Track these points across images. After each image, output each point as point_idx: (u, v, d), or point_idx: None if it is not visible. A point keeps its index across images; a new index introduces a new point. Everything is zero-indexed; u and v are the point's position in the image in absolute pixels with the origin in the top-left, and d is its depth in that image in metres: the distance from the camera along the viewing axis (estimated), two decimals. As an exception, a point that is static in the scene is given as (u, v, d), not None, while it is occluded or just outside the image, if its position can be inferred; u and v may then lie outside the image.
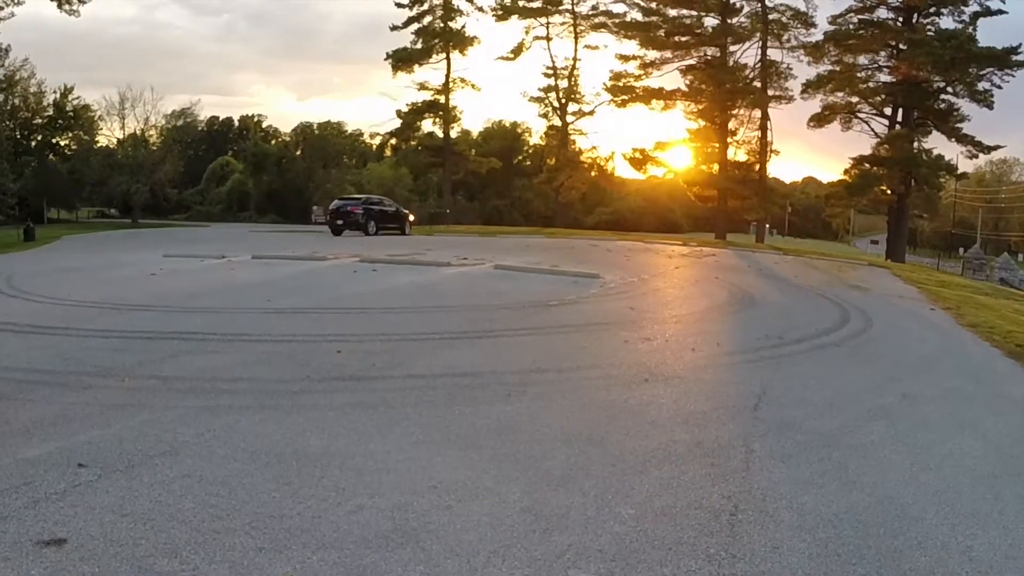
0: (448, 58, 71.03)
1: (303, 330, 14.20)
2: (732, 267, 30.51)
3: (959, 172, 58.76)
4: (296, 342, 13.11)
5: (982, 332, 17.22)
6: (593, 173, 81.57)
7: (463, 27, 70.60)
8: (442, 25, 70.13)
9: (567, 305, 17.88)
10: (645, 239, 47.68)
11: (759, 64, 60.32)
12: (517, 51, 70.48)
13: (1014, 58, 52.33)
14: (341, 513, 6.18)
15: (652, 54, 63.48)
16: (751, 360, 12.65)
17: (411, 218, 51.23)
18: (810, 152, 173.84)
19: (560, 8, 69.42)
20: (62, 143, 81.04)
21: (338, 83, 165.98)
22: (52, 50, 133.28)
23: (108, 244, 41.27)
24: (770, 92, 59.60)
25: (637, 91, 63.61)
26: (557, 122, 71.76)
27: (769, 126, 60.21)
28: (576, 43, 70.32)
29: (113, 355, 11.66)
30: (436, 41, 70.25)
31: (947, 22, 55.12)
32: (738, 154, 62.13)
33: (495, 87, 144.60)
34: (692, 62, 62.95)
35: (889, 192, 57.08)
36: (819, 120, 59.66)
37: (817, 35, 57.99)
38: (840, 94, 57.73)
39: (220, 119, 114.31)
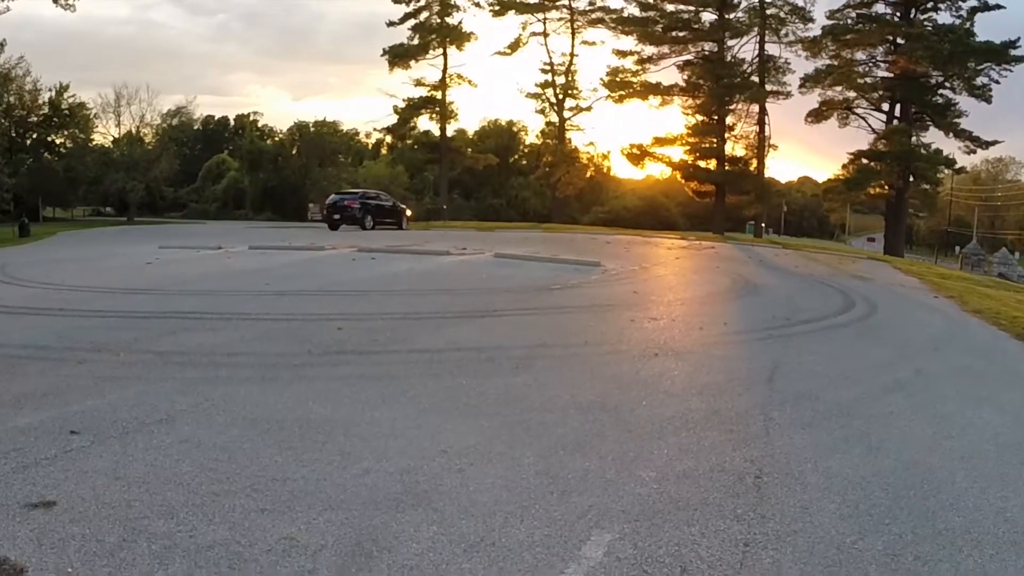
0: (445, 54, 70.66)
1: (303, 310, 13.93)
2: (732, 258, 30.24)
3: (958, 166, 58.41)
4: (296, 320, 12.84)
5: (987, 317, 16.98)
6: (590, 171, 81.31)
7: (460, 23, 70.24)
8: (439, 21, 69.74)
9: (570, 289, 17.62)
10: (643, 234, 47.42)
11: (757, 59, 60.01)
12: (514, 46, 70.18)
13: (1012, 52, 52.10)
14: (347, 476, 5.92)
15: (649, 49, 63.09)
16: (760, 338, 12.39)
17: (408, 213, 50.90)
18: (806, 152, 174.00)
19: (557, 4, 69.02)
20: (57, 141, 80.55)
21: (334, 83, 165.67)
22: (48, 50, 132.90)
23: (104, 239, 40.92)
24: (768, 87, 59.25)
25: (634, 86, 63.21)
26: (554, 118, 71.50)
27: (767, 121, 59.91)
28: (573, 39, 69.96)
29: (108, 333, 11.39)
30: (433, 37, 69.82)
31: (945, 17, 55.11)
32: (736, 149, 61.95)
33: (492, 84, 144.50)
34: (689, 57, 62.51)
35: (887, 188, 56.81)
36: (816, 116, 59.36)
37: (815, 30, 57.71)
38: (838, 88, 57.52)
39: (216, 118, 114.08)
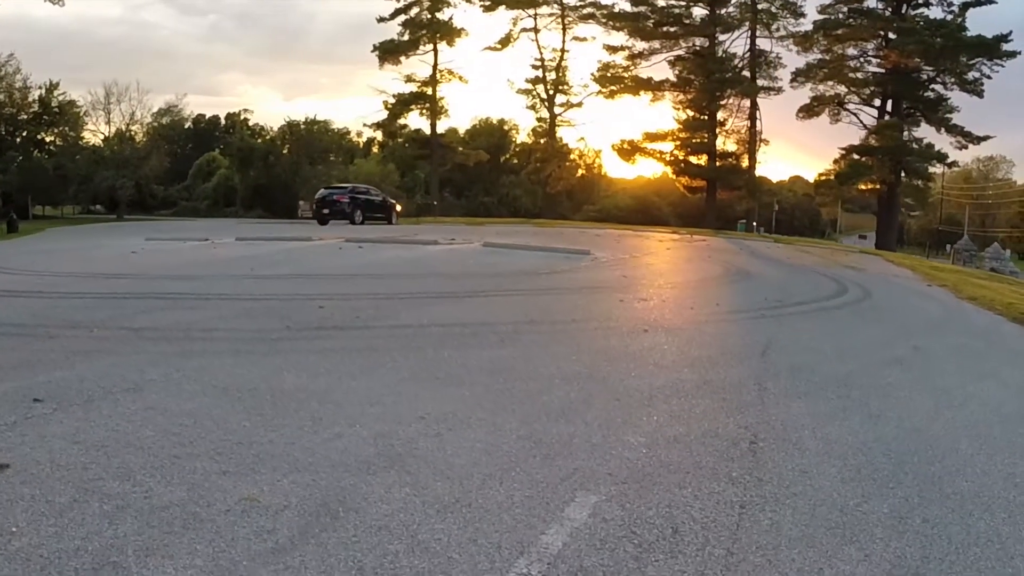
0: (435, 49, 70.20)
1: (285, 291, 13.55)
2: (724, 250, 29.94)
3: (949, 161, 58.19)
4: (277, 300, 12.48)
5: (983, 304, 16.73)
6: (581, 169, 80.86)
7: (451, 18, 69.82)
8: (429, 16, 69.27)
9: (559, 274, 17.31)
10: (634, 228, 47.15)
11: (748, 54, 59.88)
12: (505, 42, 69.76)
13: (1004, 47, 51.99)
14: (317, 440, 5.58)
15: (640, 45, 62.89)
16: (753, 318, 12.09)
17: (398, 208, 50.53)
18: (797, 151, 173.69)
19: (548, -1, 68.86)
20: (47, 139, 79.92)
21: (325, 83, 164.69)
22: (39, 50, 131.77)
23: (92, 233, 40.41)
24: (759, 82, 59.11)
25: (625, 81, 63.00)
26: (545, 114, 71.21)
27: (758, 115, 59.80)
28: (564, 34, 69.57)
29: (84, 312, 11.02)
30: (423, 32, 69.37)
31: (936, 12, 54.91)
32: (727, 144, 61.76)
33: (482, 82, 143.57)
34: (680, 52, 62.34)
35: (879, 183, 56.56)
36: (808, 111, 59.16)
37: (806, 25, 57.59)
38: (829, 84, 57.31)
39: (207, 117, 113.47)
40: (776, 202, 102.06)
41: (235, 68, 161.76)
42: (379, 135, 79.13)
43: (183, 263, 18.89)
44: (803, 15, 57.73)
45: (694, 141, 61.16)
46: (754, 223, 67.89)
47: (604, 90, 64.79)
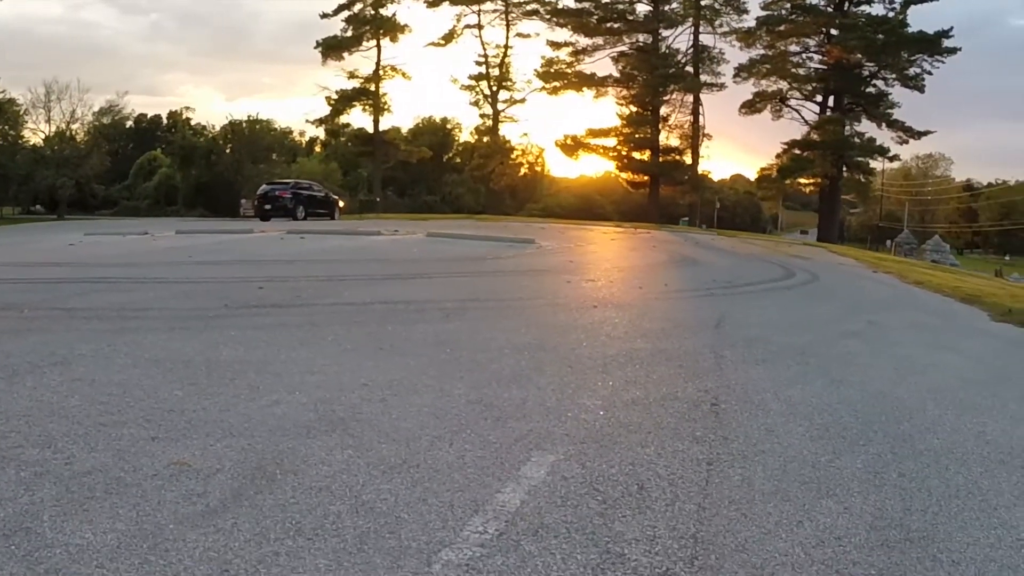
0: (379, 45, 69.43)
1: (224, 275, 13.07)
2: (669, 240, 29.84)
3: (891, 154, 58.66)
4: (216, 283, 11.99)
5: (930, 288, 16.76)
6: (524, 167, 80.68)
7: (394, 14, 69.14)
8: (373, 12, 68.57)
9: (504, 259, 17.01)
10: (578, 223, 46.99)
11: (691, 49, 60.00)
12: (448, 38, 69.23)
13: (945, 43, 52.58)
14: (254, 407, 5.20)
15: (584, 41, 62.68)
16: (702, 296, 11.90)
17: (341, 204, 49.91)
18: (738, 150, 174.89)
19: (492, -6, 68.49)
20: (-14, 138, 77.89)
21: (268, 83, 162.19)
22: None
23: (31, 231, 39.24)
24: (703, 78, 59.27)
25: (569, 77, 62.81)
26: (488, 110, 70.83)
27: (701, 111, 59.92)
28: (508, 30, 69.24)
29: (15, 295, 10.45)
30: (366, 28, 68.62)
31: (878, 9, 55.33)
32: (671, 139, 61.79)
33: (425, 79, 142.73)
34: (624, 48, 62.28)
35: (821, 177, 56.83)
36: (750, 107, 59.34)
37: (749, 21, 57.76)
38: (772, 78, 57.54)
39: (148, 116, 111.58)
40: (718, 199, 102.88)
41: (178, 68, 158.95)
42: (322, 134, 78.20)
43: (121, 253, 18.25)
44: (746, 11, 58.00)
45: (637, 136, 61.14)
46: (698, 221, 68.15)
47: (548, 86, 64.64)
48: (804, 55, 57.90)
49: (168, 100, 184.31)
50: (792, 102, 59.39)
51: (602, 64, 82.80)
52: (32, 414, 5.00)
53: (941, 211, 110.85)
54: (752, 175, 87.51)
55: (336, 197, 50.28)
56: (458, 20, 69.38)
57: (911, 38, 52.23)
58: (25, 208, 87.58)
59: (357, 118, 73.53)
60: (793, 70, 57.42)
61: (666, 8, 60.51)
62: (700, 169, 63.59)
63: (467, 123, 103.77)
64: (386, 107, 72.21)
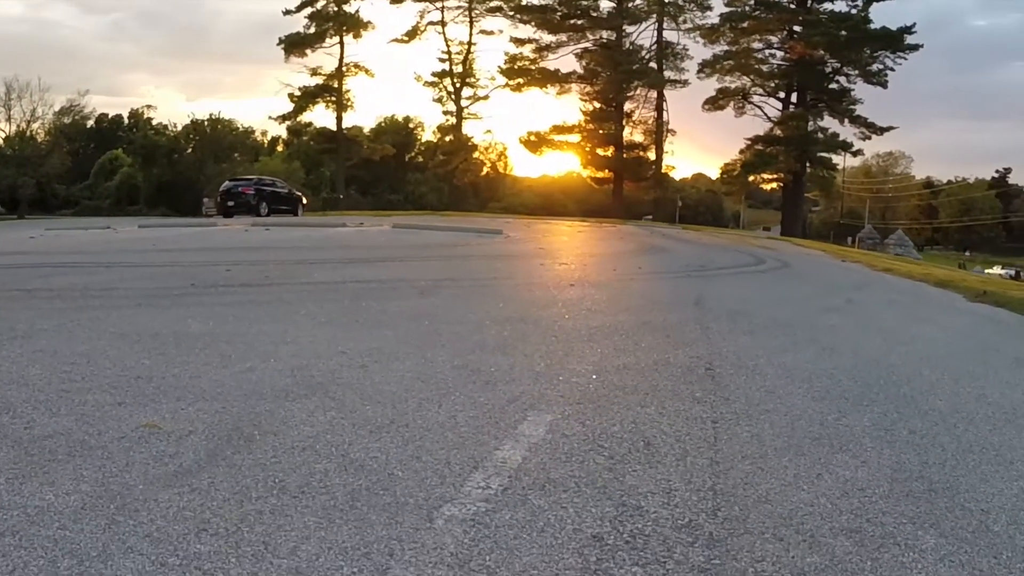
0: (341, 42, 68.72)
1: (190, 260, 12.68)
2: (636, 233, 29.71)
3: (855, 149, 58.87)
4: (182, 267, 11.62)
5: (899, 274, 16.74)
6: (486, 166, 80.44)
7: (357, 11, 68.55)
8: (336, 9, 67.97)
9: (474, 246, 16.79)
10: (542, 218, 46.83)
11: (655, 46, 59.95)
12: (411, 34, 68.67)
13: (908, 39, 52.92)
14: (227, 374, 4.92)
15: (548, 37, 62.36)
16: (678, 277, 11.76)
17: (304, 201, 49.45)
18: (700, 150, 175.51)
19: (455, -9, 68.08)
20: (-54, 138, 76.46)
21: (230, 83, 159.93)
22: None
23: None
24: (666, 74, 59.24)
25: (533, 74, 62.59)
26: (451, 107, 70.48)
27: (665, 107, 59.86)
28: (471, 27, 68.89)
29: (-32, 280, 10.07)
30: (329, 25, 67.94)
31: (841, 6, 55.55)
32: (634, 135, 61.69)
33: (389, 77, 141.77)
34: (588, 45, 62.14)
35: (785, 173, 57.01)
36: (713, 104, 59.37)
37: (713, 17, 57.75)
38: (736, 75, 57.62)
39: (109, 116, 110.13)
40: (679, 198, 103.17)
41: (139, 68, 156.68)
42: (285, 132, 77.47)
43: (84, 243, 17.79)
44: (710, 8, 57.98)
45: (601, 132, 61.03)
46: (661, 216, 68.20)
47: (511, 83, 64.35)
48: (767, 51, 58.01)
49: (129, 100, 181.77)
50: (755, 98, 59.50)
51: (566, 61, 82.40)
52: (-11, 385, 4.70)
53: (902, 208, 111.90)
54: (714, 175, 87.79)
55: (300, 194, 49.78)
56: (421, 17, 68.80)
57: (874, 34, 52.54)
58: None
59: (320, 116, 72.88)
60: (756, 66, 57.54)
61: (630, 4, 60.39)
62: (664, 166, 63.60)
63: (430, 122, 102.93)
64: (349, 104, 71.51)
